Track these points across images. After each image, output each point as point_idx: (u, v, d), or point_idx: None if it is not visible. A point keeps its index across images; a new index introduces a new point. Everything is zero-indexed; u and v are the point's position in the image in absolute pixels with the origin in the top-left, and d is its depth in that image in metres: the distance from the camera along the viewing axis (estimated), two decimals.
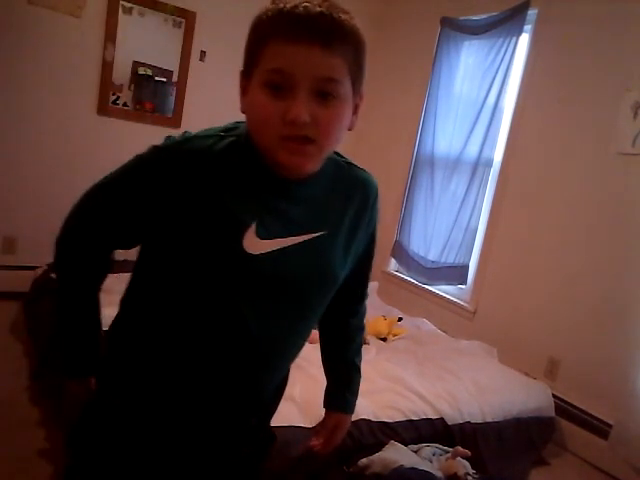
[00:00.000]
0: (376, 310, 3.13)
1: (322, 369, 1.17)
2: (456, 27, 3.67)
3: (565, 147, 3.01)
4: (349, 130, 0.84)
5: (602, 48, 2.85)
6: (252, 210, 0.81)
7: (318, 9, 0.73)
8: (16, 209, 3.29)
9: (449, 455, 1.97)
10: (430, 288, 3.74)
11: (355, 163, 0.96)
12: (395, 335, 3.01)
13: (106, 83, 3.42)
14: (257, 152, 0.80)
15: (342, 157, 0.94)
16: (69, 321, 0.98)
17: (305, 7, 0.72)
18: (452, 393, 2.30)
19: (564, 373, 2.89)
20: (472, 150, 3.47)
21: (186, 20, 3.58)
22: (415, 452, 1.96)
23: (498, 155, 3.39)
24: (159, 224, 0.82)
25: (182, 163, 0.80)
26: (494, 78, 3.34)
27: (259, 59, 0.76)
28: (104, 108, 3.45)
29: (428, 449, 1.99)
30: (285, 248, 0.83)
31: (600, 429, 2.66)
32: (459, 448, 1.98)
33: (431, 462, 1.93)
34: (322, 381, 1.17)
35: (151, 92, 3.61)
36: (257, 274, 0.82)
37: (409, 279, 3.91)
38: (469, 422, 2.22)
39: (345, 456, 1.82)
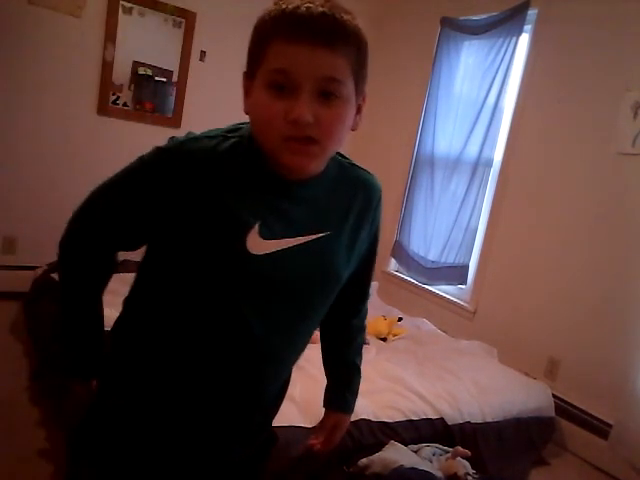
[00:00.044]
0: (376, 310, 3.13)
1: (322, 369, 1.17)
2: (456, 27, 3.67)
3: (565, 147, 3.01)
4: (352, 130, 0.84)
5: (602, 48, 2.85)
6: (255, 211, 0.81)
7: (320, 9, 0.73)
8: (16, 209, 3.29)
9: (449, 455, 1.97)
10: (430, 288, 3.74)
11: (358, 164, 0.96)
12: (395, 335, 3.01)
13: (106, 83, 3.42)
14: (260, 153, 0.81)
15: (346, 158, 0.94)
16: (72, 323, 0.98)
17: (307, 8, 0.73)
18: (452, 393, 2.30)
19: (564, 373, 2.89)
20: (472, 150, 3.47)
21: (186, 20, 3.58)
22: (415, 452, 1.96)
23: (498, 155, 3.39)
24: (163, 225, 0.82)
25: (185, 164, 0.80)
26: (494, 78, 3.34)
27: (262, 60, 0.76)
28: (104, 108, 3.45)
29: (428, 449, 1.99)
30: (288, 248, 0.84)
31: (600, 429, 2.66)
32: (459, 448, 1.98)
33: (431, 462, 1.93)
34: (322, 381, 1.17)
35: (151, 92, 3.61)
36: (260, 274, 0.82)
37: (409, 279, 3.91)
38: (469, 422, 2.22)
39: (345, 456, 1.82)
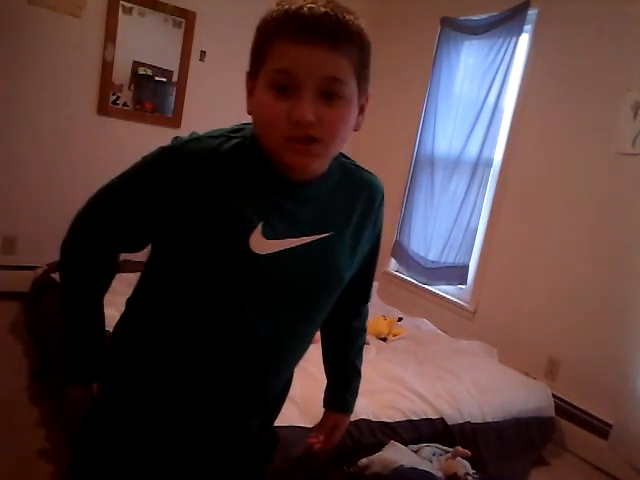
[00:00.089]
0: (376, 310, 3.13)
1: (322, 368, 1.17)
2: (456, 27, 3.67)
3: (565, 147, 3.01)
4: (355, 130, 0.84)
5: (602, 48, 2.85)
6: (258, 210, 0.81)
7: (323, 9, 0.73)
8: (16, 209, 3.29)
9: (449, 455, 1.97)
10: (430, 288, 3.74)
11: (362, 165, 0.96)
12: (395, 335, 3.01)
13: (106, 83, 3.42)
14: (263, 153, 0.81)
15: (349, 159, 0.94)
16: (73, 326, 0.97)
17: (310, 8, 0.73)
18: (452, 393, 2.30)
19: (564, 373, 2.89)
20: (472, 150, 3.46)
21: (186, 20, 3.59)
22: (415, 452, 1.96)
23: (498, 155, 3.39)
24: (166, 225, 0.82)
25: (189, 163, 0.80)
26: (494, 78, 3.34)
27: (265, 60, 0.77)
28: (104, 108, 3.45)
29: (428, 449, 1.99)
30: (291, 249, 0.84)
31: (600, 429, 2.66)
32: (459, 448, 1.98)
33: (431, 462, 1.93)
34: (322, 380, 1.17)
35: (151, 92, 3.61)
36: (263, 274, 0.83)
37: (409, 279, 3.91)
38: (469, 422, 2.22)
39: (345, 456, 1.82)
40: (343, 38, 0.74)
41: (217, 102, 3.71)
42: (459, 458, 1.95)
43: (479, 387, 2.43)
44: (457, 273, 3.52)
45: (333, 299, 0.95)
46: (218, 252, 0.81)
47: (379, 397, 2.12)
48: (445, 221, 3.63)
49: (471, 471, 1.93)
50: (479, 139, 3.41)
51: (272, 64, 0.75)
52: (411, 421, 2.07)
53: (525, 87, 3.26)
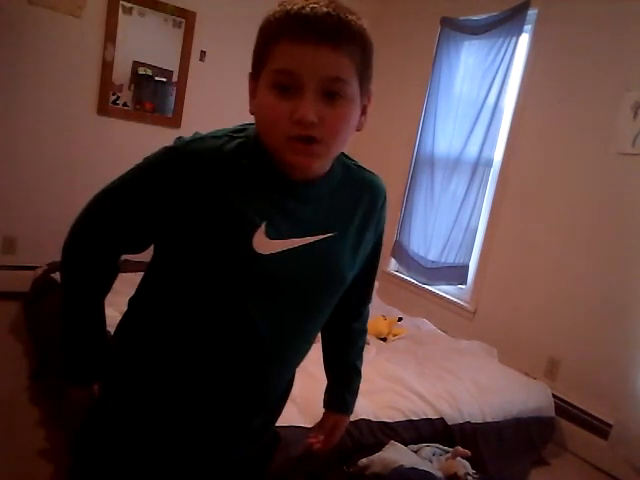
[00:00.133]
0: (376, 310, 3.12)
1: (322, 368, 1.17)
2: (456, 27, 3.67)
3: (565, 147, 3.01)
4: (357, 131, 0.84)
5: (602, 48, 2.85)
6: (261, 210, 0.81)
7: (325, 10, 0.73)
8: (16, 209, 3.29)
9: (449, 455, 1.97)
10: (430, 288, 3.74)
11: (364, 166, 0.96)
12: (395, 335, 3.01)
13: (106, 83, 3.42)
14: (266, 153, 0.81)
15: (351, 159, 0.94)
16: (74, 328, 0.97)
17: (312, 8, 0.73)
18: (452, 393, 2.30)
19: (564, 373, 2.89)
20: (472, 150, 3.46)
21: (186, 20, 3.58)
22: (415, 452, 1.96)
23: (498, 155, 3.39)
24: (169, 226, 0.82)
25: (192, 164, 0.80)
26: (494, 78, 3.34)
27: (267, 60, 0.77)
28: (104, 108, 3.45)
29: (428, 449, 1.99)
30: (295, 248, 0.84)
31: (600, 429, 2.66)
32: (459, 448, 1.98)
33: (431, 462, 1.93)
34: (322, 380, 1.17)
35: (151, 92, 3.61)
36: (266, 274, 0.83)
37: (409, 279, 3.91)
38: (469, 422, 2.22)
39: (345, 456, 1.82)
40: (345, 38, 0.74)
41: (217, 102, 3.71)
42: (459, 458, 1.95)
43: (479, 387, 2.43)
44: (457, 273, 3.52)
45: (335, 299, 0.95)
46: (221, 252, 0.81)
47: (379, 397, 2.12)
48: (445, 221, 3.63)
49: (471, 471, 1.93)
50: (479, 139, 3.41)
51: (274, 64, 0.76)
52: (411, 421, 2.07)
53: (525, 87, 3.26)
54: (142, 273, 0.93)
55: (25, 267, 3.16)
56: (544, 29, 3.17)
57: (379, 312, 3.16)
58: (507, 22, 3.28)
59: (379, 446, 1.90)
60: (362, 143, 3.74)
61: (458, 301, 3.55)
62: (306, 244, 0.85)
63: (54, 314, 2.32)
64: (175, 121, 3.67)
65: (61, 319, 0.97)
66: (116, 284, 0.99)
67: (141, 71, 3.51)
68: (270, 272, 0.82)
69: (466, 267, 3.47)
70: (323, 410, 1.16)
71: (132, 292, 0.95)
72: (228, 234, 0.80)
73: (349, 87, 0.77)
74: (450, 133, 3.66)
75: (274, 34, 0.75)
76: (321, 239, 0.86)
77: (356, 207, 0.92)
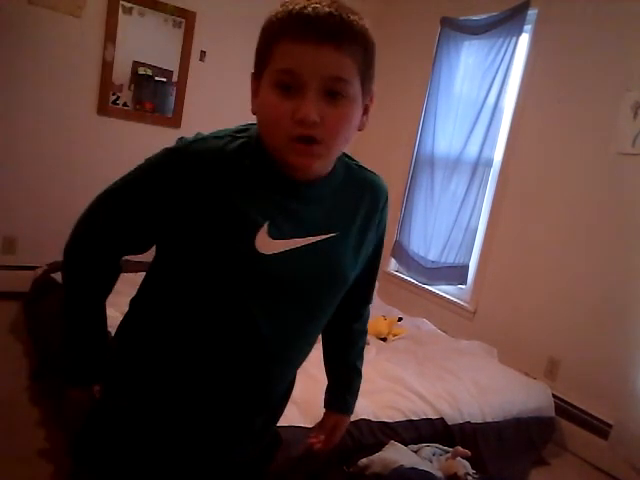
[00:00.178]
0: (376, 310, 3.12)
1: (322, 369, 1.17)
2: (456, 27, 3.67)
3: (565, 147, 3.01)
4: (359, 130, 0.84)
5: (602, 48, 2.85)
6: (264, 210, 0.81)
7: (327, 9, 0.73)
8: (16, 209, 3.29)
9: (449, 455, 1.97)
10: (430, 288, 3.74)
11: (365, 166, 0.96)
12: (395, 335, 3.01)
13: (106, 83, 3.42)
14: (268, 153, 0.81)
15: (353, 160, 0.94)
16: (76, 329, 0.97)
17: (314, 8, 0.73)
18: (452, 393, 2.30)
19: (564, 373, 2.89)
20: (472, 150, 3.46)
21: (186, 20, 3.58)
22: (415, 452, 1.96)
23: (498, 155, 3.39)
24: (171, 226, 0.82)
25: (194, 164, 0.80)
26: (494, 78, 3.34)
27: (269, 60, 0.77)
28: (104, 108, 3.45)
29: (428, 449, 1.99)
30: (297, 248, 0.84)
31: (600, 429, 2.66)
32: (459, 448, 1.98)
33: (431, 462, 1.93)
34: (322, 381, 1.17)
35: (151, 92, 3.61)
36: (269, 274, 0.83)
37: (409, 279, 3.91)
38: (469, 422, 2.22)
39: (345, 456, 1.82)
40: (347, 38, 0.74)
41: (217, 102, 3.71)
42: (459, 458, 1.95)
43: (479, 387, 2.43)
44: (457, 273, 3.52)
45: (337, 300, 0.95)
46: (224, 252, 0.81)
47: (379, 397, 2.12)
48: (445, 221, 3.63)
49: (471, 471, 1.93)
50: (479, 139, 3.41)
51: (276, 64, 0.76)
52: (411, 421, 2.07)
53: (525, 87, 3.26)
54: (143, 273, 0.93)
55: (25, 267, 3.16)
56: (544, 29, 3.17)
57: (379, 312, 3.16)
58: (507, 22, 3.28)
59: (379, 446, 1.90)
60: (362, 143, 3.74)
61: (458, 301, 3.55)
62: (308, 244, 0.85)
63: (54, 314, 2.32)
64: (175, 121, 3.67)
65: (62, 319, 0.97)
66: (117, 284, 0.99)
67: (141, 71, 3.51)
68: (272, 272, 0.82)
69: (466, 267, 3.47)
70: (324, 410, 1.16)
71: (133, 292, 0.95)
72: (230, 234, 0.80)
73: (351, 87, 0.77)
74: (450, 133, 3.66)
75: (276, 34, 0.76)
76: (323, 239, 0.86)
77: (358, 207, 0.92)
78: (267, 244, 0.81)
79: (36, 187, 3.32)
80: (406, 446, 1.95)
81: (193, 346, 0.86)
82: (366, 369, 1.19)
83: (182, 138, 0.84)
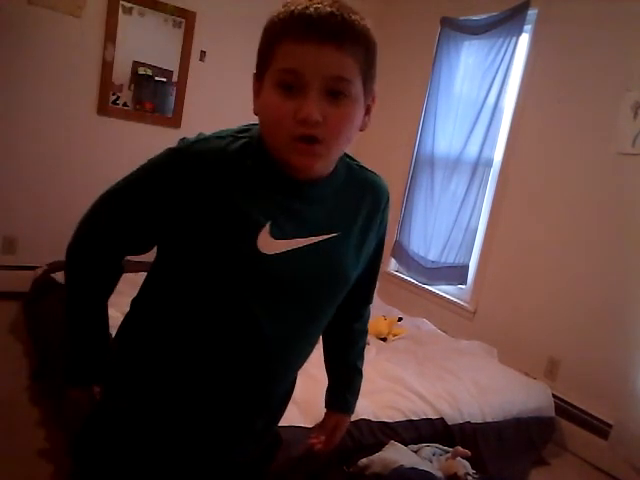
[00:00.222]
0: (376, 310, 3.12)
1: (322, 369, 1.17)
2: (456, 27, 3.67)
3: (565, 147, 3.01)
4: (361, 131, 0.84)
5: (602, 48, 2.85)
6: (266, 210, 0.81)
7: (329, 9, 0.73)
8: (16, 209, 3.29)
9: (449, 455, 1.97)
10: (430, 288, 3.74)
11: (367, 166, 0.96)
12: (395, 335, 3.01)
13: (106, 83, 3.42)
14: (269, 153, 0.81)
15: (354, 160, 0.94)
16: (77, 329, 0.97)
17: (316, 8, 0.73)
18: (452, 393, 2.30)
19: (564, 373, 2.89)
20: (472, 150, 3.47)
21: (186, 20, 3.58)
22: (415, 452, 1.96)
23: (498, 155, 3.39)
24: (173, 226, 0.82)
25: (196, 165, 0.80)
26: (494, 78, 3.34)
27: (271, 61, 0.77)
28: (104, 108, 3.44)
29: (428, 449, 1.99)
30: (299, 248, 0.84)
31: (600, 429, 2.66)
32: (459, 448, 1.98)
33: (431, 462, 1.93)
34: (322, 381, 1.17)
35: (151, 92, 3.61)
36: (271, 274, 0.83)
37: (409, 279, 3.91)
38: (469, 422, 2.22)
39: (345, 456, 1.82)
40: (349, 38, 0.74)
41: (217, 102, 3.71)
42: (459, 458, 1.95)
43: (479, 387, 2.43)
44: (457, 273, 3.52)
45: (339, 300, 0.95)
46: (226, 252, 0.81)
47: (379, 397, 2.12)
48: (445, 221, 3.63)
49: (471, 471, 1.93)
50: (479, 139, 3.41)
51: (278, 64, 0.76)
52: (411, 421, 2.07)
53: (525, 87, 3.26)
54: (143, 273, 0.93)
55: (25, 267, 3.16)
56: (544, 29, 3.17)
57: (379, 312, 3.16)
58: (507, 22, 3.28)
59: (379, 446, 1.90)
60: (362, 143, 3.74)
61: (458, 301, 3.55)
62: (310, 244, 0.85)
63: (54, 314, 2.32)
64: (175, 121, 3.67)
65: (64, 319, 0.97)
66: (118, 284, 0.99)
67: (141, 71, 3.51)
68: (275, 272, 0.82)
69: (466, 267, 3.47)
70: (325, 411, 1.16)
71: (134, 292, 0.95)
72: (232, 234, 0.80)
73: (353, 87, 0.77)
74: (450, 133, 3.66)
75: (278, 34, 0.76)
76: (325, 239, 0.86)
77: (359, 207, 0.92)
78: (269, 244, 0.81)
79: (36, 187, 3.32)
80: (406, 446, 1.95)
81: (194, 346, 0.86)
82: (366, 369, 1.19)
83: (184, 138, 0.84)
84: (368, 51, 0.78)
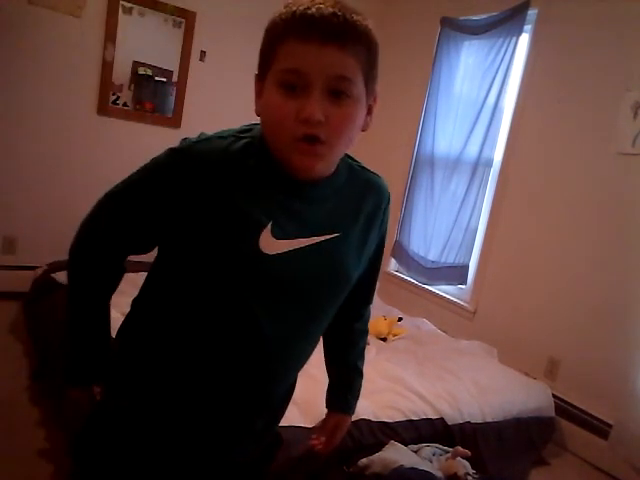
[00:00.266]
0: (376, 310, 3.11)
1: (323, 370, 1.17)
2: (456, 27, 3.67)
3: (565, 147, 3.02)
4: (363, 131, 0.84)
5: (602, 48, 2.85)
6: (267, 210, 0.81)
7: (331, 10, 0.73)
8: (16, 209, 3.29)
9: (449, 455, 1.97)
10: (430, 288, 3.74)
11: (368, 167, 0.97)
12: (395, 335, 3.01)
13: (106, 83, 3.42)
14: (271, 153, 0.81)
15: (355, 161, 0.95)
16: (79, 329, 0.97)
17: (318, 8, 0.73)
18: (452, 393, 2.30)
19: (564, 373, 2.89)
20: (472, 150, 3.47)
21: (186, 20, 3.58)
22: (415, 452, 1.96)
23: (498, 155, 3.39)
24: (175, 226, 0.82)
25: (198, 165, 0.80)
26: (494, 78, 3.34)
27: (273, 61, 0.77)
28: (104, 108, 3.44)
29: (428, 449, 1.99)
30: (301, 248, 0.84)
31: (600, 429, 2.66)
32: (459, 448, 1.98)
33: (431, 462, 1.93)
34: (322, 381, 1.17)
35: (151, 92, 3.61)
36: (273, 274, 0.83)
37: (409, 279, 3.91)
38: (469, 422, 2.22)
39: (345, 456, 1.82)
40: (351, 38, 0.75)
41: (217, 102, 3.71)
42: (459, 458, 1.95)
43: (479, 387, 2.43)
44: (457, 273, 3.52)
45: (340, 300, 0.95)
46: (227, 252, 0.81)
47: (379, 397, 2.12)
48: (445, 221, 3.63)
49: (471, 471, 1.93)
50: (479, 139, 3.41)
51: (280, 64, 0.76)
52: (411, 421, 2.07)
53: (525, 87, 3.26)
54: (143, 273, 0.93)
55: (25, 267, 3.16)
56: (544, 29, 3.17)
57: (379, 312, 3.17)
58: (507, 22, 3.28)
59: (379, 446, 1.90)
60: (363, 143, 3.74)
61: (458, 301, 3.55)
62: (312, 244, 0.85)
63: (54, 314, 2.32)
64: (175, 121, 3.67)
65: (64, 319, 0.97)
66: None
67: (141, 71, 3.51)
68: (276, 272, 0.82)
69: (466, 267, 3.47)
70: (325, 411, 1.16)
71: (134, 292, 0.95)
72: (234, 234, 0.80)
73: (355, 86, 0.77)
74: (450, 133, 3.66)
75: (280, 35, 0.76)
76: (327, 239, 0.86)
77: (360, 208, 0.92)
78: (271, 244, 0.81)
79: (36, 187, 3.32)
80: (406, 446, 1.95)
81: (195, 346, 0.86)
82: (366, 369, 1.19)
83: (186, 138, 0.84)
84: (370, 51, 0.78)
